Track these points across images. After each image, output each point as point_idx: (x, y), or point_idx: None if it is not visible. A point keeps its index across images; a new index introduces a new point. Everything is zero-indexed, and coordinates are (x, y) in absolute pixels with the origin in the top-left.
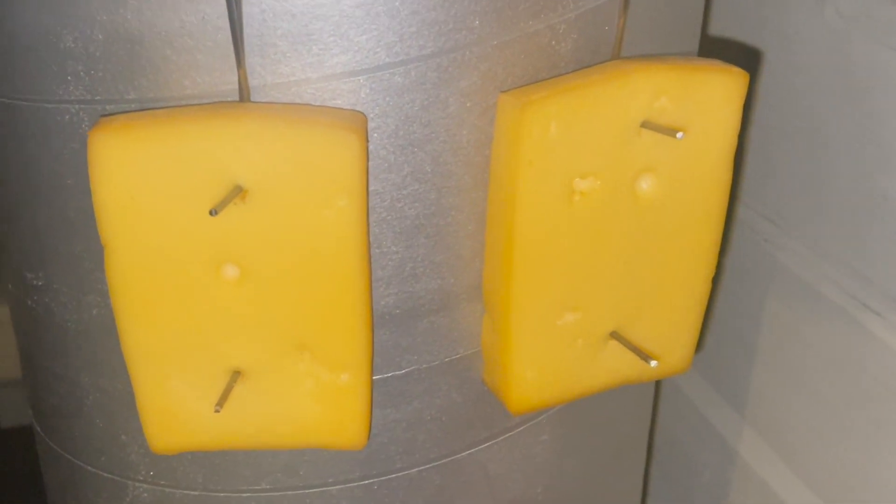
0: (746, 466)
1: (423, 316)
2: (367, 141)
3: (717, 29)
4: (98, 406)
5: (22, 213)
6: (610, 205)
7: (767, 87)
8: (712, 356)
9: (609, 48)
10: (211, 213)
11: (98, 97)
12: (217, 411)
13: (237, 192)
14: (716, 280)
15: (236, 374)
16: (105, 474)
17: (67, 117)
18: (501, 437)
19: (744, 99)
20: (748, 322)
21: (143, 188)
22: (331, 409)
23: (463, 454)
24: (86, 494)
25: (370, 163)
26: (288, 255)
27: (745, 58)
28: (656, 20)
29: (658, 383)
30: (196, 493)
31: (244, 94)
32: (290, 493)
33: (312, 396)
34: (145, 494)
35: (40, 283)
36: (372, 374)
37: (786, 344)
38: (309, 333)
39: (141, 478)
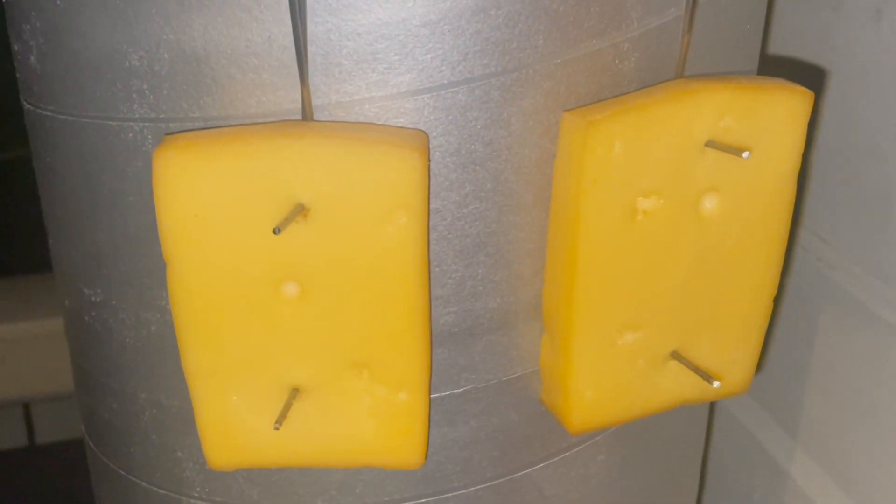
0: (798, 489)
1: (482, 335)
2: (429, 159)
3: (774, 48)
4: (154, 422)
5: (82, 229)
6: (673, 224)
7: (823, 102)
8: (764, 377)
9: (672, 67)
10: (274, 231)
11: (162, 115)
12: (276, 428)
13: (300, 210)
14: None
15: (295, 392)
16: (159, 490)
17: (131, 135)
18: (558, 457)
19: (808, 118)
20: (801, 343)
21: (206, 205)
22: (388, 427)
23: (519, 474)
24: None
25: (431, 181)
26: (348, 273)
27: (803, 76)
28: (717, 39)
29: (713, 405)
30: None
31: (307, 113)
32: None
33: (370, 414)
34: None
35: (98, 300)
36: (430, 392)
37: (840, 366)
38: (367, 351)
39: (196, 494)
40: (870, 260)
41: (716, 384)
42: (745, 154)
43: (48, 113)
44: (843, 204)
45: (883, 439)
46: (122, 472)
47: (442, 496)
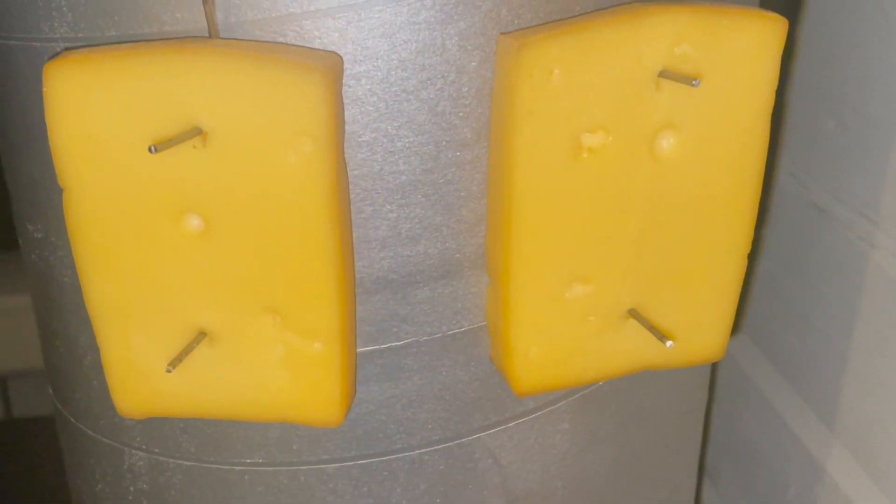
0: (834, 485)
1: (424, 283)
2: (340, 83)
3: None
4: (95, 366)
5: (21, 161)
6: (623, 164)
7: (862, 68)
8: (802, 364)
9: None
10: (150, 150)
11: (81, 34)
12: (169, 371)
13: (194, 133)
14: (806, 280)
15: (201, 335)
16: (104, 439)
17: None
18: (513, 423)
19: (782, 49)
20: (840, 329)
21: (99, 125)
22: (302, 379)
23: (470, 438)
24: (88, 460)
25: (358, 110)
26: (253, 207)
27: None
28: None
29: (713, 380)
30: (189, 463)
31: (212, 30)
32: (283, 468)
33: (282, 364)
34: (141, 462)
35: (40, 236)
36: (351, 344)
37: (880, 354)
38: (277, 295)
39: (136, 445)
40: None
41: (669, 344)
42: (694, 82)
43: None
44: (886, 178)
45: None
46: (72, 420)
47: (385, 458)
